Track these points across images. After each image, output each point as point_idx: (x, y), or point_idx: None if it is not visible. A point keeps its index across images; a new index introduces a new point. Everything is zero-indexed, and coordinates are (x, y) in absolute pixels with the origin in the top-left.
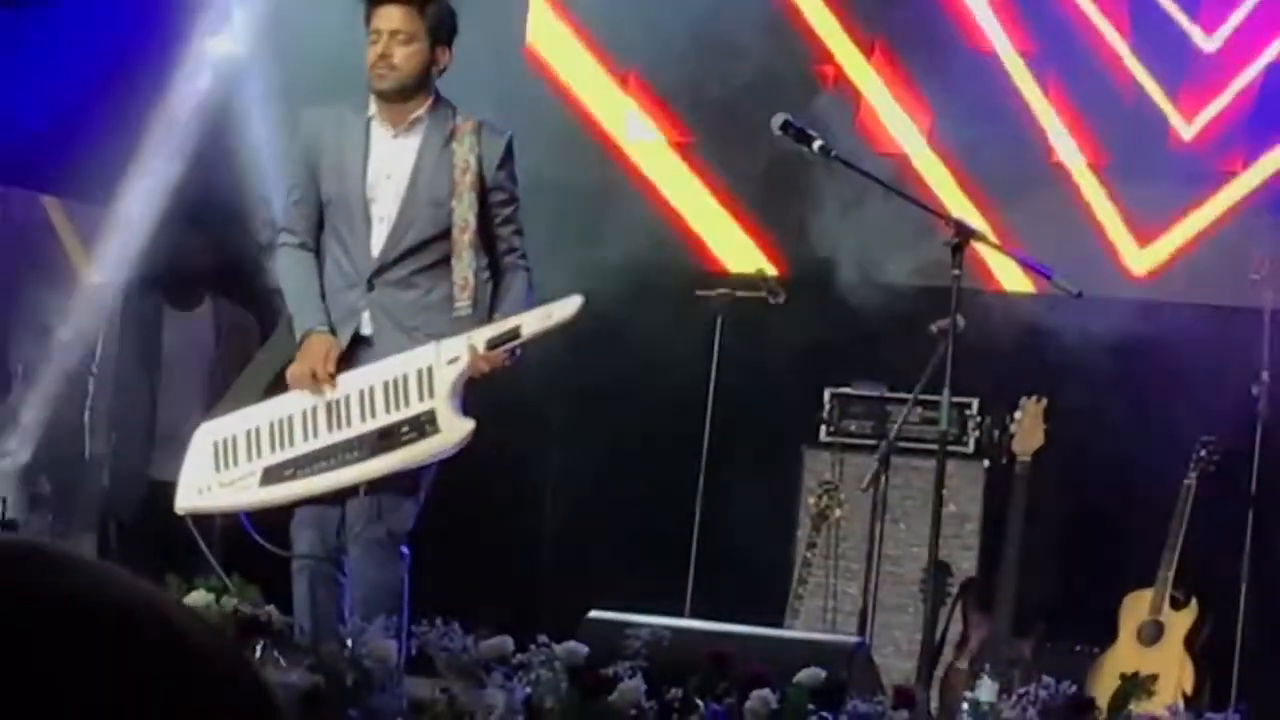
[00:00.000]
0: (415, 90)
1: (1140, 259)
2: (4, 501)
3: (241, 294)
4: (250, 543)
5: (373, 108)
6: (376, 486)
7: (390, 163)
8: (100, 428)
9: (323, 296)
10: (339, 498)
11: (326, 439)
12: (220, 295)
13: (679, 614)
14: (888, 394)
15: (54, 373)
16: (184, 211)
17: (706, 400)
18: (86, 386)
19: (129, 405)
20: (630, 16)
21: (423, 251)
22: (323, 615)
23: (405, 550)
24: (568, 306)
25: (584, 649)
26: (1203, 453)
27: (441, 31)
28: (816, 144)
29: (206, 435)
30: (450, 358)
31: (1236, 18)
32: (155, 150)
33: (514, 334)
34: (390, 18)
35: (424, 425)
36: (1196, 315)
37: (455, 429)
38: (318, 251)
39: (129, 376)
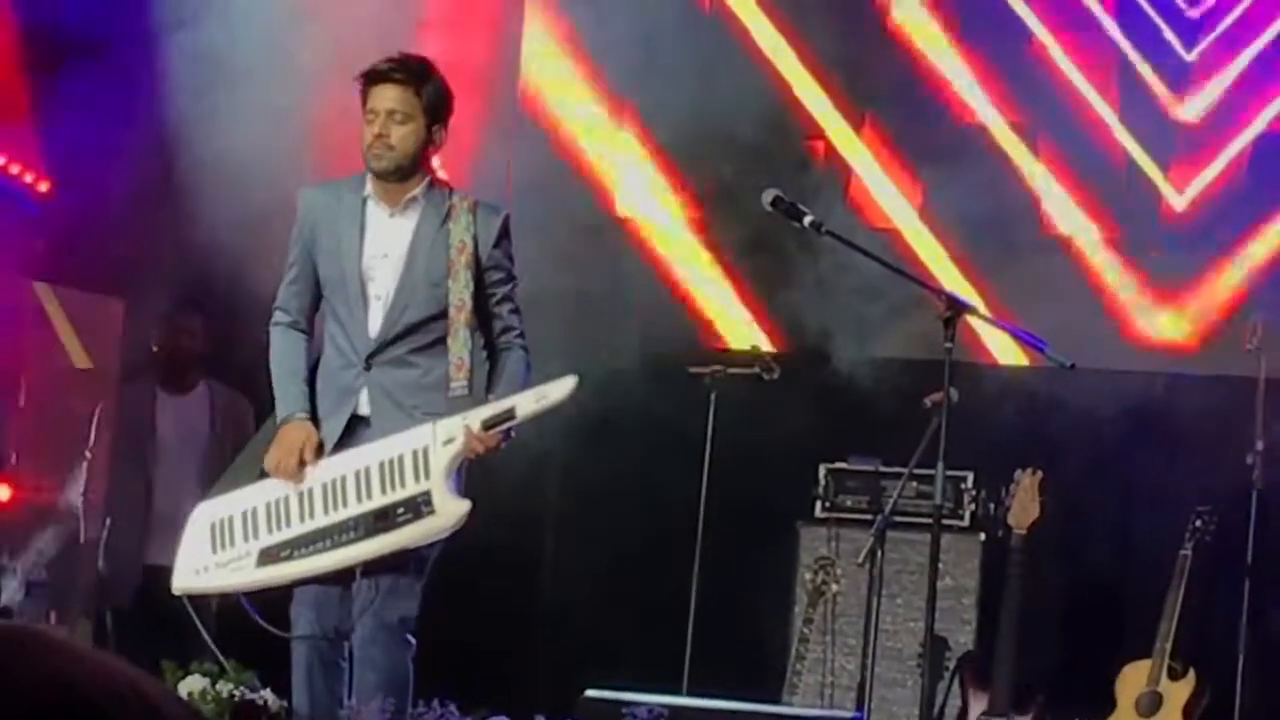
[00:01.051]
0: (412, 170)
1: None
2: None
3: (236, 376)
4: (247, 625)
5: (369, 187)
6: (384, 572)
7: (386, 242)
8: (95, 513)
9: (310, 379)
10: (338, 579)
11: (323, 520)
12: (214, 378)
13: (677, 692)
14: (883, 469)
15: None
16: (180, 293)
17: (701, 477)
18: (81, 472)
19: (124, 490)
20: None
21: (420, 331)
22: (320, 697)
23: (412, 639)
24: (562, 387)
25: None
26: (1198, 523)
27: (438, 111)
28: (807, 219)
29: (203, 516)
30: (446, 439)
31: (1216, 89)
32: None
33: (509, 415)
34: (387, 97)
35: (420, 506)
36: (1190, 385)
37: (451, 510)
38: (310, 333)
39: (124, 461)
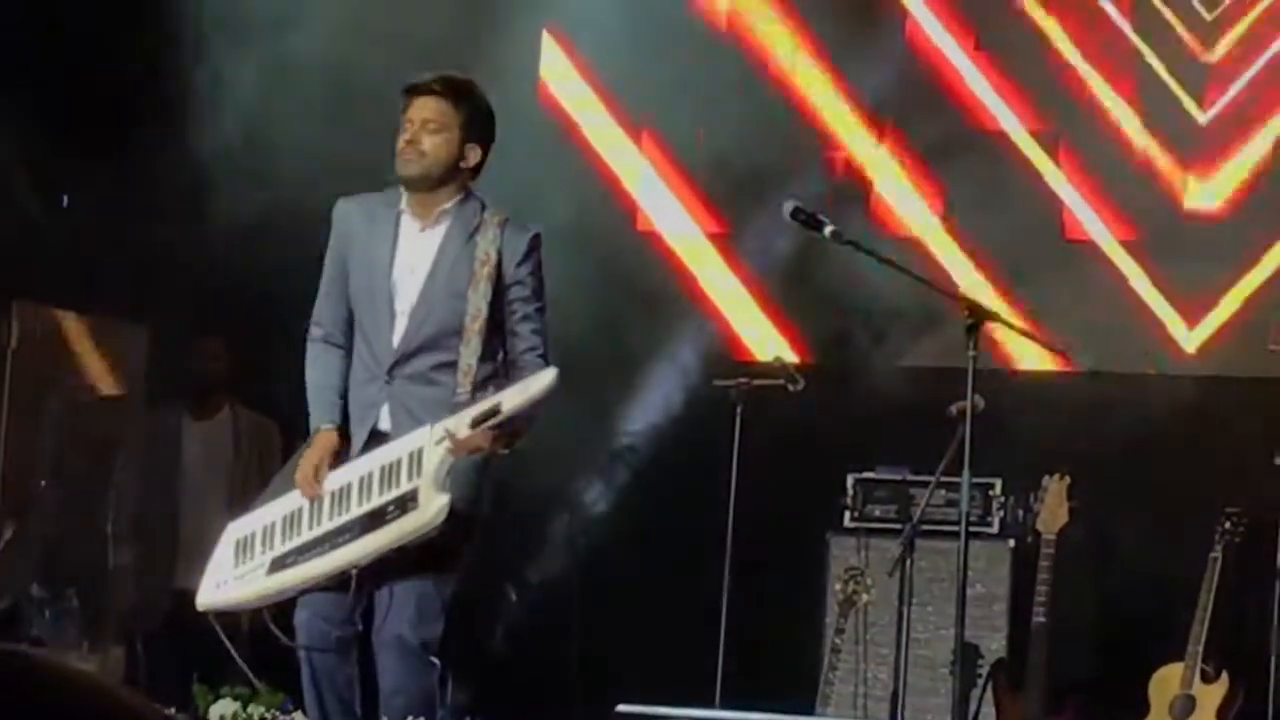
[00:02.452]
0: (441, 182)
1: (1188, 337)
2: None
3: (261, 400)
4: (280, 647)
5: (403, 201)
6: (407, 588)
7: (415, 255)
8: (124, 539)
9: (344, 392)
10: (339, 584)
11: (328, 525)
12: (239, 402)
13: (710, 704)
14: (910, 477)
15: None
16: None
17: (729, 490)
18: (109, 499)
19: (152, 516)
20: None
21: (441, 346)
22: (330, 706)
23: (436, 661)
24: (542, 380)
25: None
26: (1228, 524)
27: (474, 128)
28: (828, 229)
29: (231, 533)
30: (439, 438)
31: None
32: None
33: (494, 411)
34: (424, 108)
35: (406, 503)
36: (1217, 388)
37: (431, 505)
38: (346, 346)
39: (151, 487)
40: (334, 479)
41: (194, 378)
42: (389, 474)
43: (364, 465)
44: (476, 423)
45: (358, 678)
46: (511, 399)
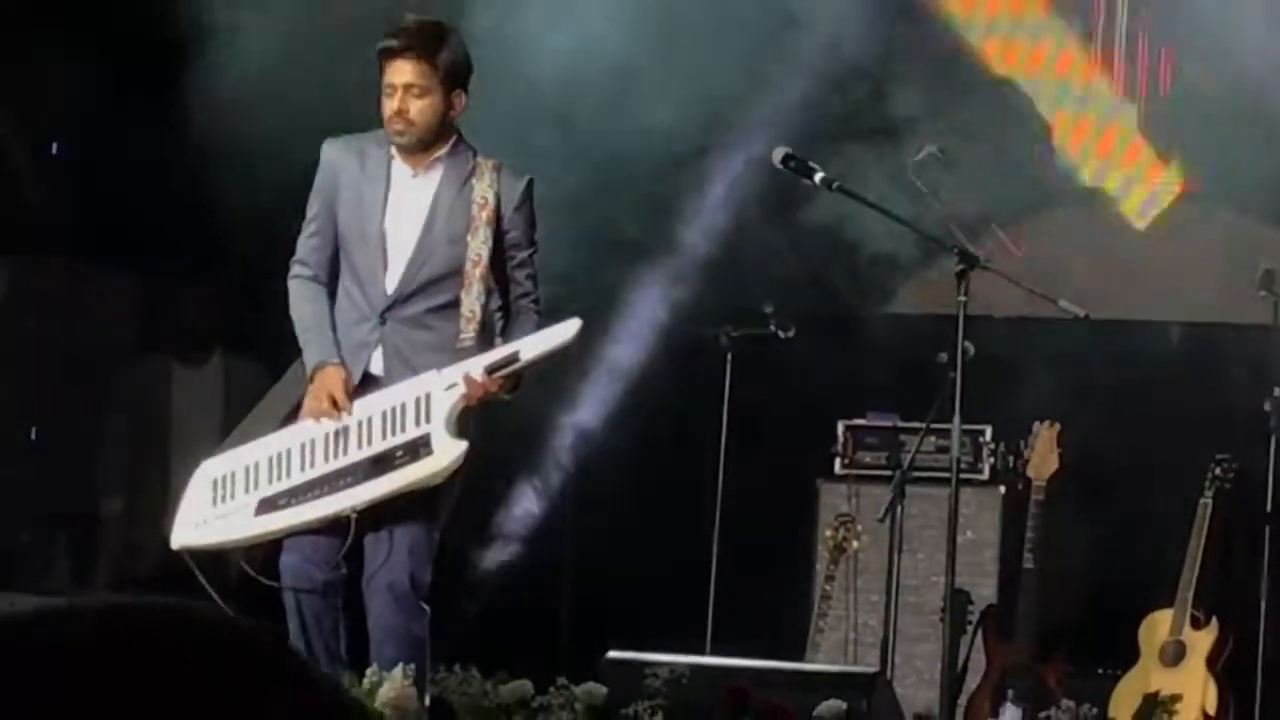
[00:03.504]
0: (435, 140)
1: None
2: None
3: (251, 345)
4: (269, 595)
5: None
6: (397, 534)
7: (409, 199)
8: (115, 487)
9: (334, 329)
10: (333, 529)
11: (324, 468)
12: (230, 349)
13: (699, 651)
14: (901, 424)
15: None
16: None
17: (720, 437)
18: (99, 447)
19: (142, 464)
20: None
21: (437, 290)
22: (316, 650)
23: (426, 606)
24: (566, 330)
25: (604, 690)
26: (1218, 471)
27: (455, 78)
28: (818, 175)
29: (206, 473)
30: (448, 384)
31: None
32: None
33: (513, 359)
34: (403, 72)
35: (418, 448)
36: (1207, 333)
37: (448, 451)
38: (330, 286)
39: (141, 435)
40: (328, 421)
41: (183, 325)
42: (393, 418)
43: (361, 410)
44: (493, 369)
45: (344, 623)
46: (532, 348)
